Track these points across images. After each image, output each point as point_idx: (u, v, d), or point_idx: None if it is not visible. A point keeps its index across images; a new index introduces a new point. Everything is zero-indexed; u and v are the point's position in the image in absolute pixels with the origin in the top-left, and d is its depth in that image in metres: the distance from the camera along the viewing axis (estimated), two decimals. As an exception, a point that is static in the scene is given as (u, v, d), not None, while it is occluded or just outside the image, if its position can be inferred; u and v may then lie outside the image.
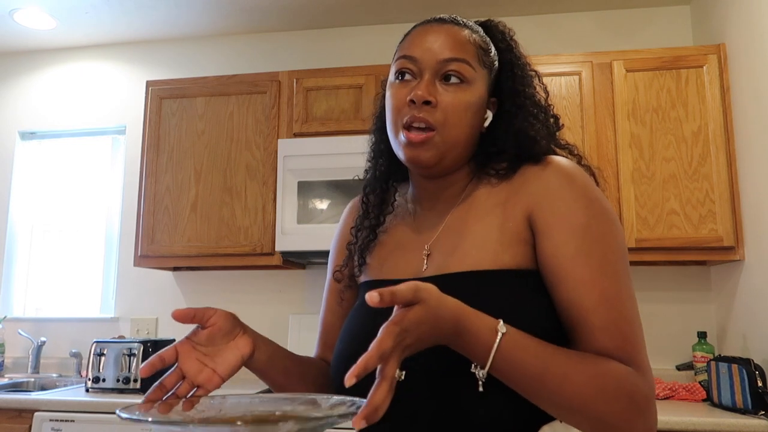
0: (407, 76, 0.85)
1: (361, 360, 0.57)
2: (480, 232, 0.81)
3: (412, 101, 0.82)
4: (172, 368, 0.76)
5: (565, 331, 0.76)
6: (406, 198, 0.96)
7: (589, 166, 0.88)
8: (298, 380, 0.90)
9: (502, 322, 0.68)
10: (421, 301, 0.63)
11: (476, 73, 0.84)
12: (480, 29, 0.89)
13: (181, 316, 0.76)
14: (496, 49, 0.90)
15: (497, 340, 0.66)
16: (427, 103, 0.81)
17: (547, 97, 0.92)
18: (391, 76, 0.88)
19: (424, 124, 0.81)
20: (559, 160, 0.83)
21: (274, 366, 0.85)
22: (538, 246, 0.78)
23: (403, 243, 0.90)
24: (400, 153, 0.85)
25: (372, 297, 0.59)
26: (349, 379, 0.56)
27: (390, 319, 0.61)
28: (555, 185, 0.79)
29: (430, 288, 0.64)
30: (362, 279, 0.94)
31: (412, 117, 0.82)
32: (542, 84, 0.92)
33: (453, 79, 0.82)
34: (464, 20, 0.89)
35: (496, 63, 0.89)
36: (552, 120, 0.90)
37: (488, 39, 0.89)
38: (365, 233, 0.94)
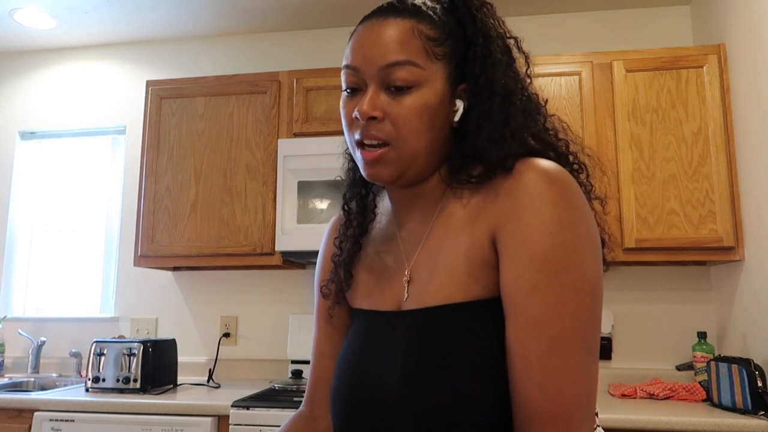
0: (354, 86, 0.77)
1: None
2: (451, 259, 0.74)
3: (357, 118, 0.75)
4: None
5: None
6: (386, 205, 0.89)
7: (583, 163, 0.80)
8: None
9: None
10: None
11: (426, 71, 0.74)
12: (432, 7, 0.78)
13: None
14: (459, 23, 0.78)
15: None
16: (373, 118, 0.74)
17: (528, 69, 0.80)
18: (343, 84, 0.79)
19: (375, 140, 0.75)
20: (534, 169, 0.71)
21: None
22: (500, 273, 0.70)
23: (387, 263, 0.83)
24: (361, 170, 0.78)
25: None
26: None
27: None
28: (520, 203, 0.69)
29: None
30: (354, 303, 0.87)
31: (361, 134, 0.75)
32: (523, 53, 0.80)
33: (399, 85, 0.73)
34: (410, 2, 0.77)
35: (457, 43, 0.77)
36: (523, 107, 0.77)
37: (443, 19, 0.77)
38: (349, 244, 0.88)
